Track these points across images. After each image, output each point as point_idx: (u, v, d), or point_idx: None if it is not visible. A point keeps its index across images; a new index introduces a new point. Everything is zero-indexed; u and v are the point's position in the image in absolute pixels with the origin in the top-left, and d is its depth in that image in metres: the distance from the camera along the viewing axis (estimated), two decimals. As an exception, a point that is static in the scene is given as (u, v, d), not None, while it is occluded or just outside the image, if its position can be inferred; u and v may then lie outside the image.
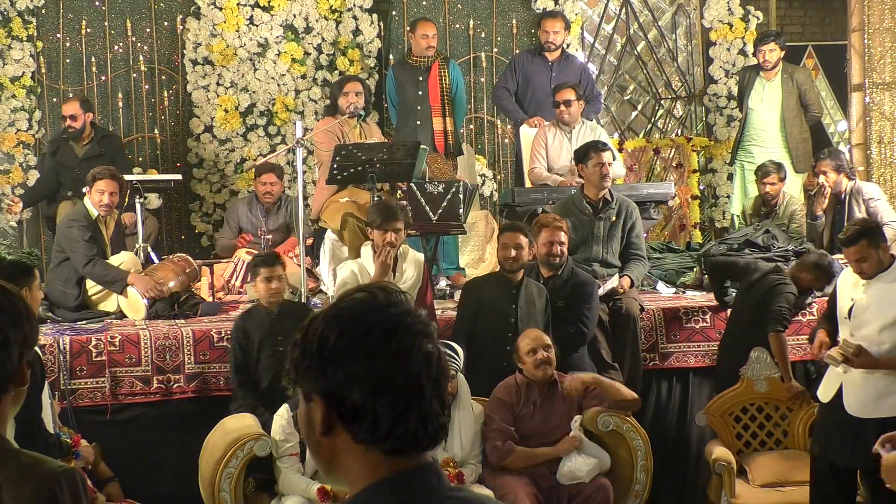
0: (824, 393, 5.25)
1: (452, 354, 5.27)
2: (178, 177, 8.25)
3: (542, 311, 5.86)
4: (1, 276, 4.30)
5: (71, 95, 8.63)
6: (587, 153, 6.71)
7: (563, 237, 6.07)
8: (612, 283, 6.52)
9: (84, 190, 6.77)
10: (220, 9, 8.92)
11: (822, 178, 7.51)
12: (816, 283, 6.20)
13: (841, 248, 5.37)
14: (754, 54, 9.06)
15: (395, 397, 1.56)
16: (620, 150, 8.67)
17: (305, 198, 6.88)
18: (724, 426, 5.88)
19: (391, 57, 9.28)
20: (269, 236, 7.66)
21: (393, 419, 1.56)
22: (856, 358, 4.95)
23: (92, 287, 6.57)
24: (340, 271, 6.04)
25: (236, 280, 7.32)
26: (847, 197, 7.48)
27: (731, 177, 9.19)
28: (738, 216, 8.68)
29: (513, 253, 5.84)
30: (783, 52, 8.63)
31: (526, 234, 5.95)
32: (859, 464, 5.08)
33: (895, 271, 5.04)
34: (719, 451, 5.70)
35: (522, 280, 5.90)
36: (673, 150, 9.09)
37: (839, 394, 5.11)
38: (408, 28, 8.92)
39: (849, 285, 5.18)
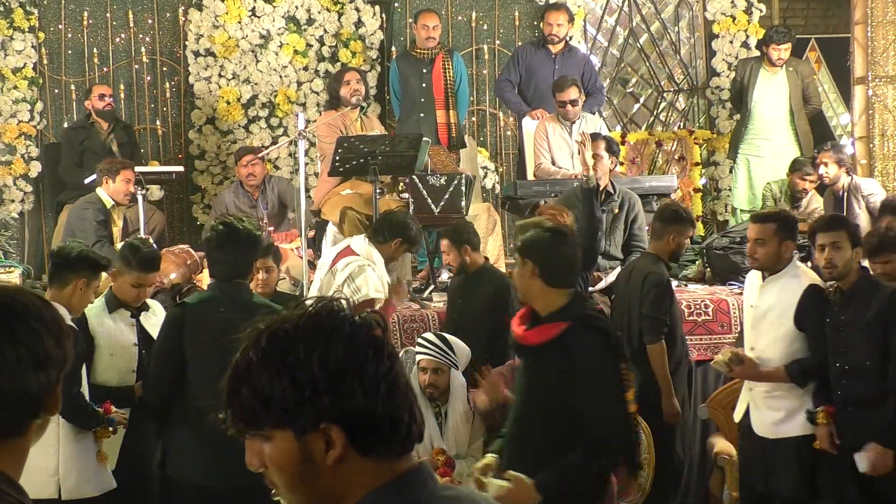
0: (737, 411, 5.09)
1: (444, 349, 5.24)
2: (180, 168, 8.25)
3: (487, 307, 5.82)
4: (67, 258, 4.35)
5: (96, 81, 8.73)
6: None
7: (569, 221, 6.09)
8: (614, 275, 6.51)
9: (102, 180, 6.79)
10: (223, 0, 8.90)
11: (822, 169, 7.47)
12: (684, 235, 5.67)
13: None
14: (758, 46, 9.03)
15: (404, 397, 1.55)
16: (623, 143, 8.65)
17: (307, 189, 6.89)
18: (725, 419, 5.87)
19: (393, 49, 9.26)
20: (271, 229, 7.65)
21: (409, 420, 1.54)
22: (736, 367, 4.78)
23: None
24: (369, 276, 5.96)
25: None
26: (845, 194, 7.46)
27: (732, 169, 9.17)
28: (741, 210, 8.67)
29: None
30: (791, 47, 8.68)
31: (449, 238, 6.02)
32: (770, 487, 4.87)
33: (789, 273, 4.83)
34: (721, 445, 5.70)
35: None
36: (675, 142, 9.07)
37: (748, 413, 4.96)
38: (411, 20, 8.92)
39: (749, 290, 5.03)
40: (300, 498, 1.54)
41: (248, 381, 1.52)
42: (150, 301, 5.08)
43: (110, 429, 4.44)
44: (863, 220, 7.35)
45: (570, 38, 8.84)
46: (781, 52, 8.54)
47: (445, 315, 6.20)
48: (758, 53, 9.05)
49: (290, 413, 1.50)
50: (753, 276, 5.03)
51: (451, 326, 5.97)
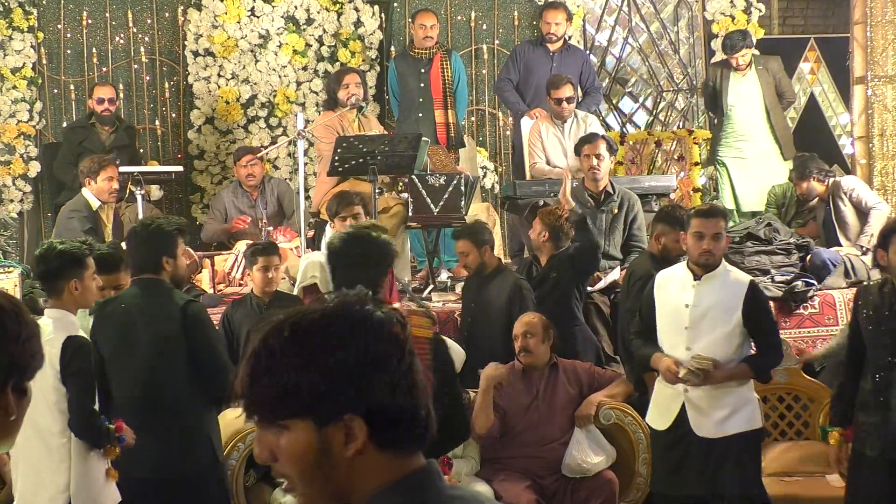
0: (660, 420, 4.88)
1: None
2: (179, 168, 8.24)
3: (503, 307, 5.87)
4: (49, 267, 4.31)
5: (97, 81, 8.67)
6: (580, 146, 6.83)
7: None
8: (614, 275, 6.52)
9: (85, 181, 6.81)
10: (222, 0, 8.90)
11: (805, 186, 7.57)
12: (670, 237, 5.64)
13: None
14: (723, 51, 8.93)
15: (422, 394, 1.56)
16: (622, 143, 8.65)
17: (307, 189, 6.89)
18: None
19: (392, 49, 9.26)
20: (270, 228, 7.65)
21: (425, 416, 1.55)
22: (716, 372, 4.62)
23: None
24: (304, 261, 6.08)
25: (237, 272, 7.31)
26: (830, 196, 7.52)
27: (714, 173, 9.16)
28: (734, 211, 8.66)
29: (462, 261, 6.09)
30: (751, 50, 8.64)
31: (470, 239, 6.07)
32: (716, 489, 4.73)
33: (723, 270, 4.74)
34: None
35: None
36: (674, 142, 9.06)
37: (682, 420, 4.77)
38: (409, 20, 8.92)
39: (673, 289, 4.84)
40: (313, 490, 1.54)
41: (269, 370, 1.51)
42: None
43: (119, 445, 4.40)
44: (850, 217, 7.42)
45: (570, 37, 8.84)
46: (739, 59, 8.52)
47: (461, 317, 6.21)
48: (758, 53, 9.03)
49: (313, 403, 1.50)
50: (678, 276, 4.85)
51: (466, 328, 6.01)
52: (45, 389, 4.05)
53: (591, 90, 8.43)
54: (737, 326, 4.70)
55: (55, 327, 4.09)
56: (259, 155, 7.97)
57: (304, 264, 6.04)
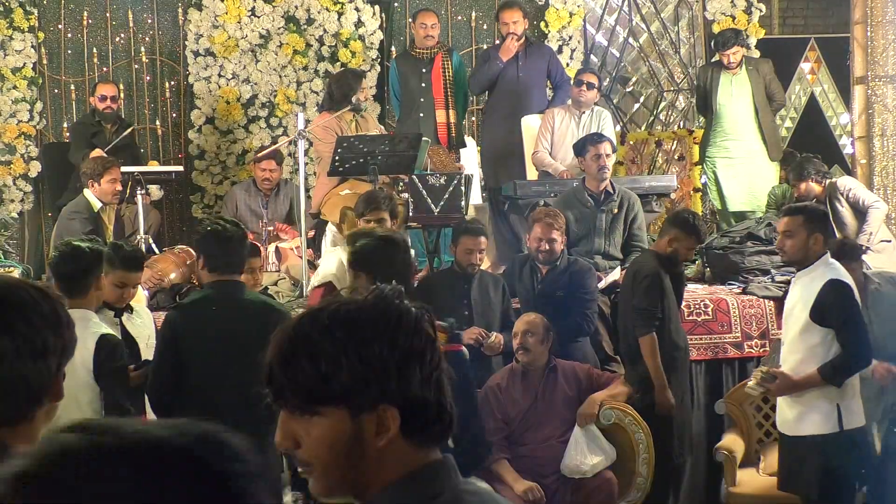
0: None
1: None
2: (180, 168, 8.25)
3: (500, 302, 5.97)
4: (77, 265, 4.28)
5: (98, 79, 8.70)
6: (584, 146, 6.82)
7: (556, 234, 6.03)
8: (614, 275, 6.52)
9: (88, 182, 6.79)
10: (222, 0, 8.90)
11: (804, 187, 7.59)
12: (683, 243, 5.70)
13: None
14: (715, 48, 8.91)
15: (448, 389, 1.60)
16: (622, 143, 8.64)
17: (307, 189, 6.89)
18: (742, 415, 5.88)
19: (393, 49, 9.26)
20: (271, 228, 7.65)
21: (450, 410, 1.59)
22: (772, 385, 4.75)
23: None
24: (325, 260, 6.09)
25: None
26: (826, 198, 7.53)
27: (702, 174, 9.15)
28: (721, 211, 8.66)
29: (477, 258, 5.93)
30: (743, 48, 8.64)
31: (486, 235, 6.07)
32: (788, 487, 4.85)
33: (818, 268, 4.77)
34: (726, 441, 5.74)
35: (476, 273, 5.95)
36: (675, 142, 9.06)
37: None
38: (410, 19, 8.92)
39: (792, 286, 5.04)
40: (335, 478, 1.56)
41: (310, 356, 1.53)
42: (135, 304, 5.05)
43: None
44: (848, 218, 7.43)
45: (570, 37, 8.82)
46: (731, 56, 8.50)
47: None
48: (757, 54, 9.02)
49: (353, 391, 1.52)
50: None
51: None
52: (78, 388, 4.03)
53: (560, 84, 8.38)
54: (809, 325, 4.72)
55: (78, 326, 4.07)
56: (268, 152, 7.97)
57: (327, 258, 6.05)
